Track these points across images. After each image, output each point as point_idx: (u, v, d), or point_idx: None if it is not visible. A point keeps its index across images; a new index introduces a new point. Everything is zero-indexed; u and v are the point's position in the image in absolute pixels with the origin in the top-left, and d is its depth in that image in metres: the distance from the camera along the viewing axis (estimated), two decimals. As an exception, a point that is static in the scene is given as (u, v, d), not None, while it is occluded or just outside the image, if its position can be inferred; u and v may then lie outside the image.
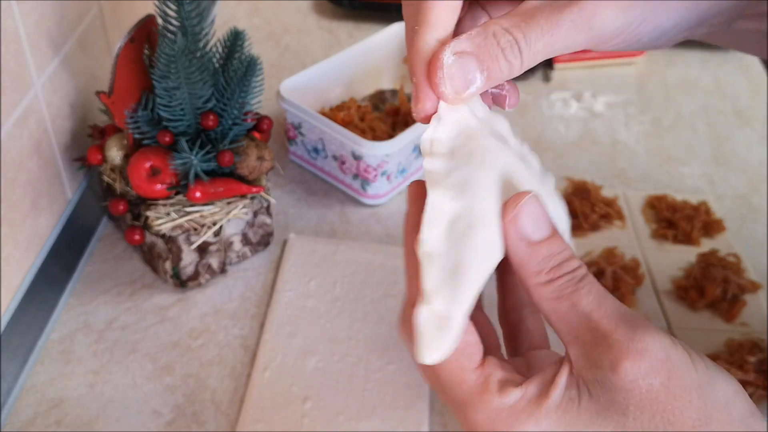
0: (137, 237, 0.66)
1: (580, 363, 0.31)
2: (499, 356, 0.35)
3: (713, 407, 0.30)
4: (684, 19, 0.34)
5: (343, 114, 0.83)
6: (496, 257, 0.32)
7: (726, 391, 0.30)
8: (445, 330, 0.30)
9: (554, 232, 0.32)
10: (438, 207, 0.32)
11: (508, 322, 0.38)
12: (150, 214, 0.66)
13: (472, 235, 0.31)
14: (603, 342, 0.30)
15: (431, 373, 0.32)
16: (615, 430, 0.30)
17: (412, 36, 0.33)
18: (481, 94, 0.34)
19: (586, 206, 0.78)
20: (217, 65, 0.67)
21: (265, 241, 0.74)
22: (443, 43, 0.32)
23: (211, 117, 0.66)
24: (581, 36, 0.31)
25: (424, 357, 0.31)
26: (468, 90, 0.32)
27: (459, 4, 0.33)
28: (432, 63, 0.32)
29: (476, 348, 0.32)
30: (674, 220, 0.78)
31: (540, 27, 0.31)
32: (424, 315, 0.31)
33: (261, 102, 0.70)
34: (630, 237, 0.77)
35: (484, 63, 0.32)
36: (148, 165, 0.65)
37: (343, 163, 0.78)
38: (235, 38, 0.67)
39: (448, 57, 0.31)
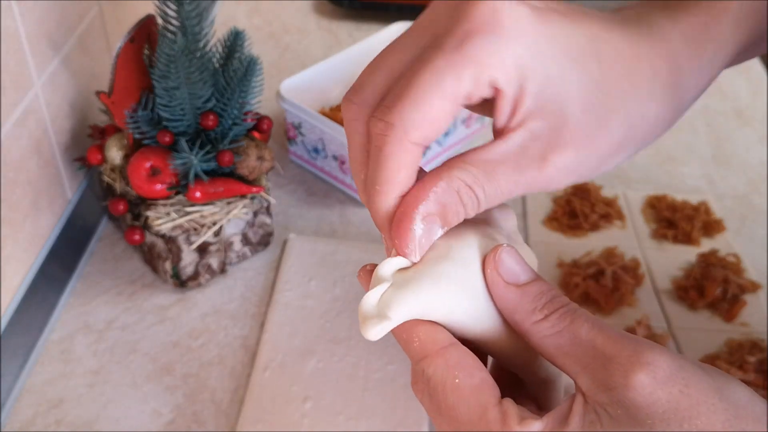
0: (137, 237, 0.66)
1: (593, 390, 0.30)
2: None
3: (737, 407, 0.29)
4: (627, 156, 0.35)
5: (343, 114, 0.83)
6: (461, 303, 0.32)
7: (743, 392, 0.30)
8: (381, 319, 0.33)
9: (537, 275, 0.33)
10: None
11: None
12: (150, 214, 0.66)
13: (444, 265, 0.32)
14: (611, 364, 0.30)
15: (448, 410, 0.32)
16: None
17: (370, 191, 0.33)
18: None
19: (586, 206, 0.78)
20: (217, 65, 0.67)
21: (265, 241, 0.74)
22: (415, 202, 0.32)
23: (211, 117, 0.66)
24: (535, 189, 0.33)
25: (367, 333, 0.33)
26: (429, 245, 0.33)
27: (418, 160, 0.32)
28: (402, 231, 0.32)
29: (494, 387, 0.32)
30: (674, 220, 0.78)
31: (500, 188, 0.32)
32: (370, 299, 0.34)
33: (261, 102, 0.70)
34: (630, 237, 0.77)
35: (446, 219, 0.32)
36: (148, 165, 0.65)
37: (343, 163, 0.78)
38: (235, 38, 0.67)
39: (418, 226, 0.32)
